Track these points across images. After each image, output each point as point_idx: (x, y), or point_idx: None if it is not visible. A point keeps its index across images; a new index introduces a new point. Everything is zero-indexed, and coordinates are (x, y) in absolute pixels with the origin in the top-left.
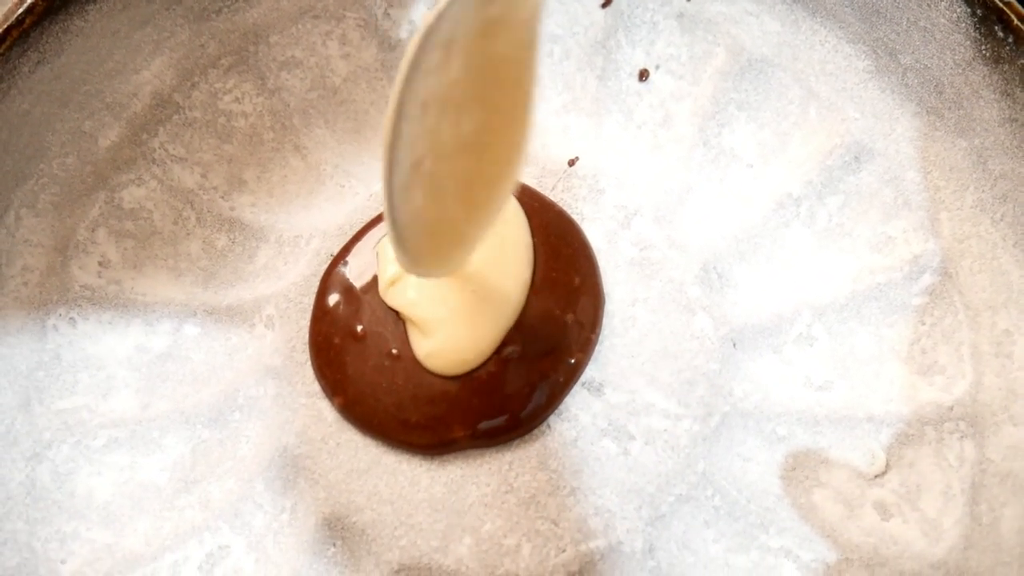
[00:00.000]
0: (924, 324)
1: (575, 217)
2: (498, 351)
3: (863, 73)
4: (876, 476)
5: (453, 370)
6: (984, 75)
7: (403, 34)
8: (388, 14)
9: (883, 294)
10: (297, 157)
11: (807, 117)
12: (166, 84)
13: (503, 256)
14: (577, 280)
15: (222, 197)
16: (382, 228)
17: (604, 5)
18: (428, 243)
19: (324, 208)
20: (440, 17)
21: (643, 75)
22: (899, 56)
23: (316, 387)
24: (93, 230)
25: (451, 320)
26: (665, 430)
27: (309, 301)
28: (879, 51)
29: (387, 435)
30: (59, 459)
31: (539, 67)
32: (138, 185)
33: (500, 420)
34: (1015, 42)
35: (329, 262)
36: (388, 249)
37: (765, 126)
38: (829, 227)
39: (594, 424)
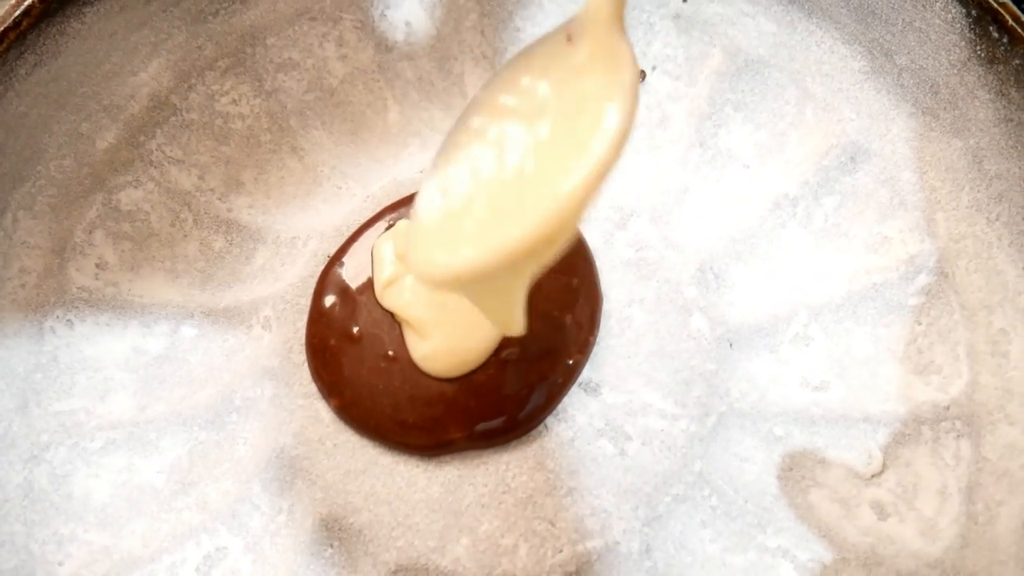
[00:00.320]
0: (920, 324)
1: None
2: (496, 353)
3: (859, 74)
4: (873, 476)
5: (450, 372)
6: (979, 75)
7: (399, 36)
8: (385, 16)
9: (879, 294)
10: (294, 158)
11: (803, 118)
12: (163, 86)
13: None
14: (575, 281)
15: (219, 199)
16: (378, 229)
17: None
18: (436, 248)
19: (321, 209)
20: (534, 46)
21: (640, 76)
22: (895, 57)
23: (313, 388)
24: (90, 232)
25: (448, 322)
26: (662, 430)
27: (306, 302)
28: (875, 52)
29: (384, 436)
30: (56, 461)
31: (616, 160)
32: (135, 187)
33: (498, 422)
34: (1010, 42)
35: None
36: (384, 250)
37: (761, 127)
38: (825, 227)
39: (591, 424)
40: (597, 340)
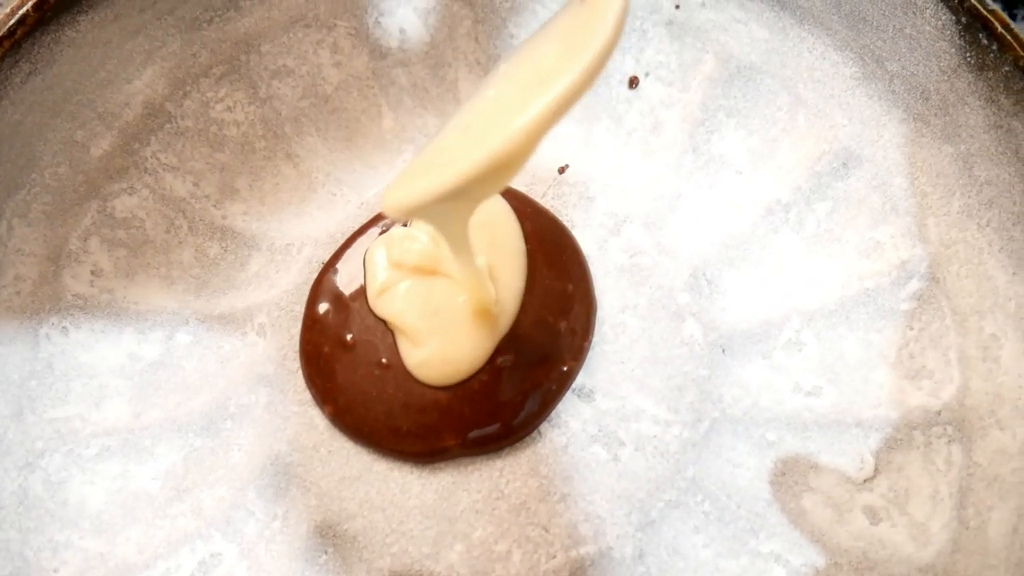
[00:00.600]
0: (912, 329)
1: (565, 224)
2: (491, 360)
3: (850, 80)
4: (865, 481)
5: (445, 381)
6: (969, 82)
7: (394, 43)
8: (379, 23)
9: (871, 299)
10: (289, 165)
11: (795, 123)
12: (158, 93)
13: (496, 263)
14: (570, 287)
15: (214, 205)
16: (371, 236)
17: None
18: (401, 184)
19: (316, 216)
20: (555, 16)
21: (633, 82)
22: (886, 63)
23: (308, 395)
24: (85, 239)
25: (442, 330)
26: (655, 436)
27: (301, 309)
28: (866, 58)
29: (378, 444)
30: (52, 468)
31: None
32: (130, 194)
33: (492, 429)
34: (999, 49)
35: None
36: (377, 257)
37: (754, 133)
38: (818, 233)
39: (584, 430)
40: (591, 346)
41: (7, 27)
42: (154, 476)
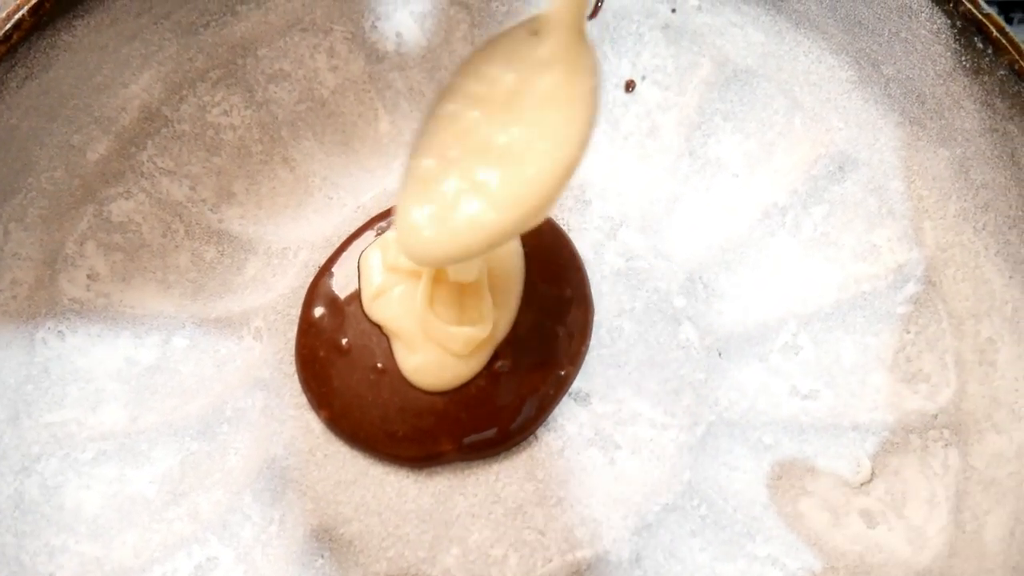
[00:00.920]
0: (909, 332)
1: (562, 228)
2: (488, 365)
3: (846, 83)
4: (862, 484)
5: (441, 386)
6: (965, 86)
7: (390, 47)
8: (375, 27)
9: (868, 303)
10: (285, 169)
11: (792, 127)
12: (154, 98)
13: (494, 268)
14: (568, 292)
15: (211, 209)
16: (366, 239)
17: (590, 17)
18: (419, 213)
19: (312, 220)
20: (499, 36)
21: (629, 86)
22: (881, 67)
23: (304, 399)
24: (82, 243)
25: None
26: (651, 439)
27: (297, 313)
28: (862, 62)
29: (374, 448)
30: (48, 472)
31: (589, 130)
32: (127, 198)
33: (489, 434)
34: (994, 53)
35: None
36: (372, 261)
37: (750, 136)
38: (814, 236)
39: (581, 434)
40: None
41: (3, 31)
42: (150, 480)
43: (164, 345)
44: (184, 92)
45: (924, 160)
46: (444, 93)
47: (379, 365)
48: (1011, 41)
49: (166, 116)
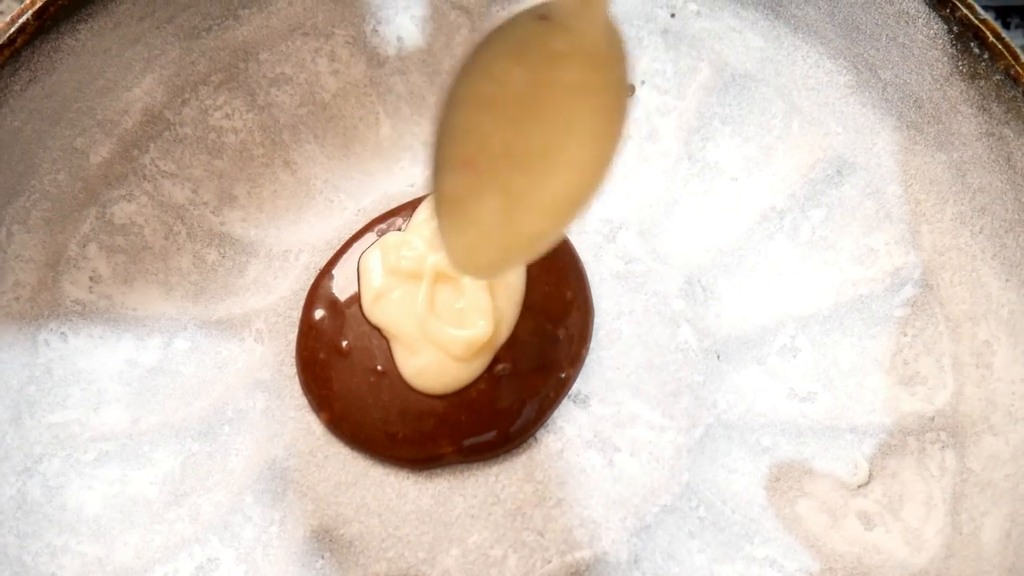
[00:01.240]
0: (906, 335)
1: None
2: (489, 368)
3: (844, 88)
4: (859, 486)
5: (442, 390)
6: (961, 90)
7: (391, 51)
8: (376, 31)
9: (865, 306)
10: (287, 172)
11: (790, 131)
12: (157, 101)
13: None
14: (569, 294)
15: (212, 212)
16: (367, 241)
17: None
18: (466, 239)
19: (313, 223)
20: (502, 27)
21: (629, 90)
22: (879, 71)
23: (304, 401)
24: (84, 245)
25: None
26: (650, 441)
27: (298, 315)
28: (859, 66)
29: (374, 450)
30: (50, 473)
31: (621, 123)
32: (129, 201)
33: (489, 436)
34: (991, 58)
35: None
36: (371, 263)
37: (749, 140)
38: (812, 239)
39: (580, 436)
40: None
41: (7, 35)
42: (152, 481)
43: (166, 347)
44: (186, 95)
45: (921, 164)
46: (449, 99)
47: (379, 368)
48: (1007, 46)
49: (168, 119)
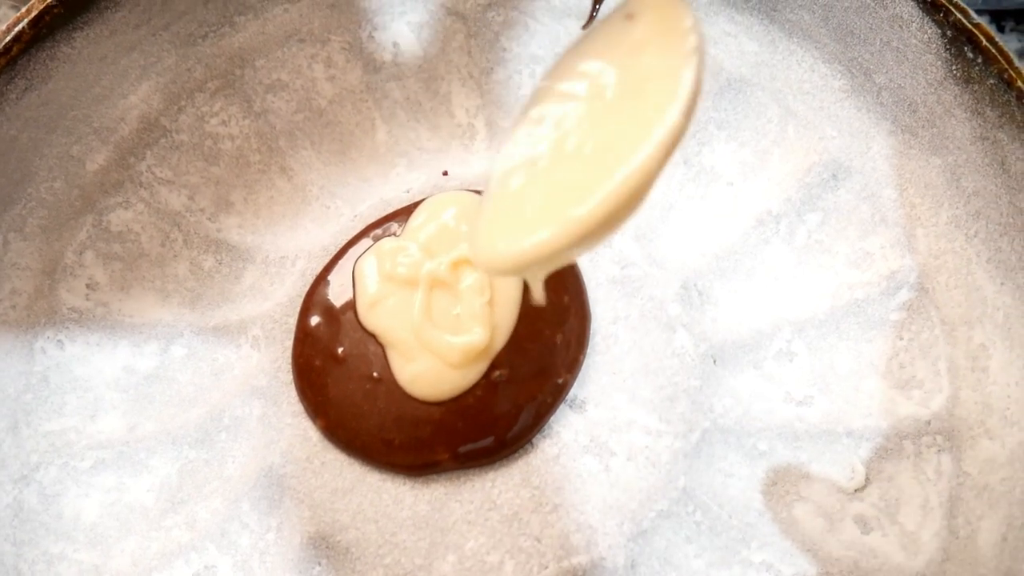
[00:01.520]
0: (902, 339)
1: None
2: (486, 374)
3: (839, 92)
4: (856, 490)
5: (438, 397)
6: (956, 94)
7: (387, 57)
8: (372, 37)
9: (861, 309)
10: (283, 179)
11: (785, 136)
12: (153, 108)
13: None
14: (566, 299)
15: (209, 219)
16: (362, 246)
17: (585, 26)
18: (505, 229)
19: (310, 229)
20: (594, 30)
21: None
22: (874, 76)
23: (301, 407)
24: (81, 253)
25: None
26: (646, 446)
27: (294, 321)
28: (854, 71)
29: (370, 457)
30: (46, 481)
31: (693, 90)
32: (125, 208)
33: (485, 442)
34: (984, 62)
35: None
36: (367, 269)
37: (744, 145)
38: (808, 243)
39: (576, 441)
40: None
41: (3, 44)
42: (149, 488)
43: (162, 354)
44: (182, 102)
45: (916, 168)
46: (534, 97)
47: (375, 374)
48: (1000, 50)
49: (165, 126)
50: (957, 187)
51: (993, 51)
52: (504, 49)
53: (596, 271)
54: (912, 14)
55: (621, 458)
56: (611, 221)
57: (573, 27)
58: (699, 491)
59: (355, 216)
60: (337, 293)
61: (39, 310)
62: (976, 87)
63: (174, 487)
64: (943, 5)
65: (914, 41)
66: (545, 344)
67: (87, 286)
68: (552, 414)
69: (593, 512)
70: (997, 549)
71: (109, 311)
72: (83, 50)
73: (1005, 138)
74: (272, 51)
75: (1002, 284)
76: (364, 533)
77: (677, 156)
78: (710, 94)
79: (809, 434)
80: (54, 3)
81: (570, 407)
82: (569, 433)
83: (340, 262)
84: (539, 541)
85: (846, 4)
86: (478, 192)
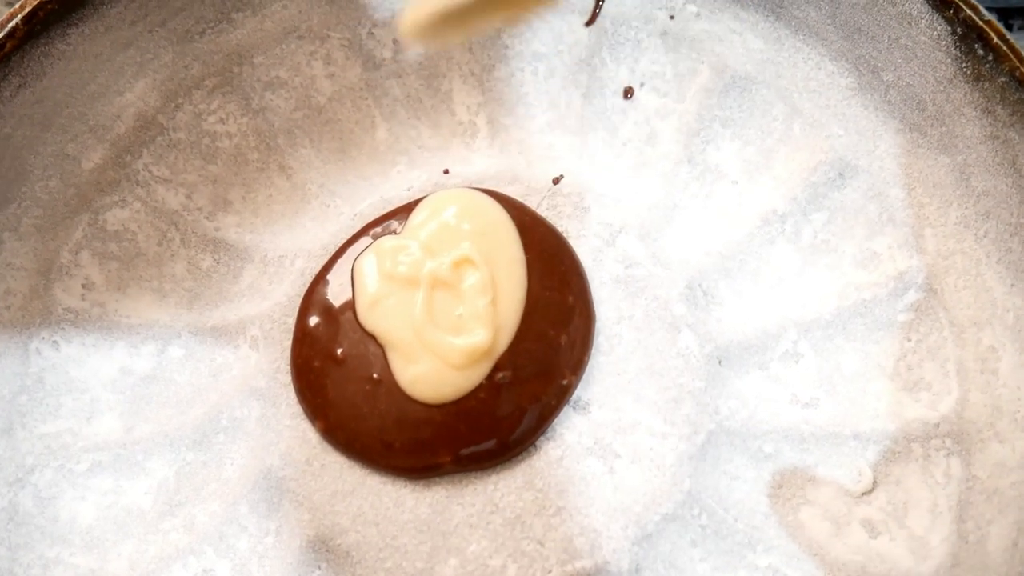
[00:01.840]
0: (910, 340)
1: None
2: (489, 376)
3: (846, 90)
4: (863, 493)
5: (440, 399)
6: (965, 92)
7: (387, 53)
8: (372, 34)
9: (869, 310)
10: (282, 177)
11: (791, 134)
12: (150, 106)
13: (496, 274)
14: (571, 299)
15: (207, 218)
16: (361, 245)
17: (588, 23)
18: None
19: (309, 227)
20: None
21: (628, 93)
22: (881, 73)
23: (300, 409)
24: (76, 252)
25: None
26: (651, 448)
27: (293, 321)
28: (861, 68)
29: (370, 459)
30: (42, 484)
31: None
32: (122, 207)
33: (487, 445)
34: (995, 60)
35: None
36: (366, 268)
37: (750, 143)
38: (814, 243)
39: (580, 443)
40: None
41: None
42: (146, 491)
43: (160, 355)
44: (180, 100)
45: (925, 167)
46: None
47: (375, 376)
48: (1012, 48)
49: (161, 124)
50: (966, 186)
51: (1004, 48)
52: (506, 46)
53: (600, 270)
54: (921, 11)
55: (625, 460)
56: None
57: (576, 23)
58: (704, 494)
59: (355, 215)
60: (336, 293)
61: (34, 310)
62: (987, 85)
63: (172, 490)
64: (953, 2)
65: (923, 38)
66: (549, 345)
67: (83, 286)
68: (556, 416)
69: (597, 515)
70: (1007, 554)
71: (105, 311)
72: (78, 47)
73: (1016, 137)
74: (270, 48)
75: (1012, 285)
76: (364, 536)
77: (682, 154)
78: (715, 92)
79: (816, 436)
80: None
81: (574, 408)
82: (573, 435)
83: (339, 261)
84: (542, 545)
85: (853, 1)
86: (480, 190)
